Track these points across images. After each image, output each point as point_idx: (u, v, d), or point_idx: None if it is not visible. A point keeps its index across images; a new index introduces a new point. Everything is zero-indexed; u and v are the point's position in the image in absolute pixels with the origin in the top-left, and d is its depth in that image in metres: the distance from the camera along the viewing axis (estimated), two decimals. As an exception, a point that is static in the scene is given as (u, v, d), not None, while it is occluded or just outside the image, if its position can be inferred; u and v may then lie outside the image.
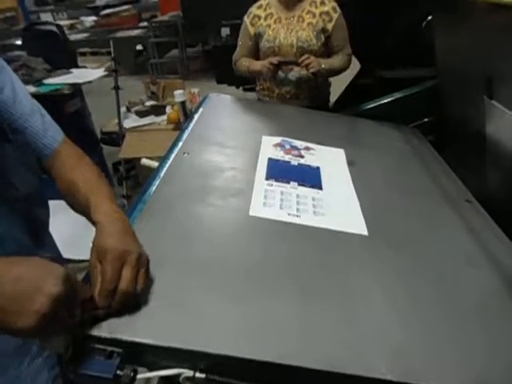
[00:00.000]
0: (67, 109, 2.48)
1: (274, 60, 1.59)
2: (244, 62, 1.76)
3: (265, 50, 1.71)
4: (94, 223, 0.61)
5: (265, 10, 1.72)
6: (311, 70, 1.57)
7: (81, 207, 0.66)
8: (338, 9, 1.67)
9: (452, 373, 0.57)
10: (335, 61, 1.70)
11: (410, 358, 0.57)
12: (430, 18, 1.79)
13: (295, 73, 1.68)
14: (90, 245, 0.58)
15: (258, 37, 1.72)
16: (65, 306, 0.45)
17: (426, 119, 1.73)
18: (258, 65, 1.68)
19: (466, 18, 1.28)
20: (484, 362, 0.59)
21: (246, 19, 1.75)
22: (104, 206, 0.63)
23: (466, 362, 0.58)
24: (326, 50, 1.71)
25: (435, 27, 1.58)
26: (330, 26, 1.65)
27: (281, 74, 1.68)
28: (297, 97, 1.74)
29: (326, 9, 1.65)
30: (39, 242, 0.74)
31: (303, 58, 1.57)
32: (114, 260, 0.54)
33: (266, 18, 1.70)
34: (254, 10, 1.74)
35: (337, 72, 1.72)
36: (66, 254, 0.88)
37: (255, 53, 1.77)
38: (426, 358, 0.58)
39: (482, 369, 0.58)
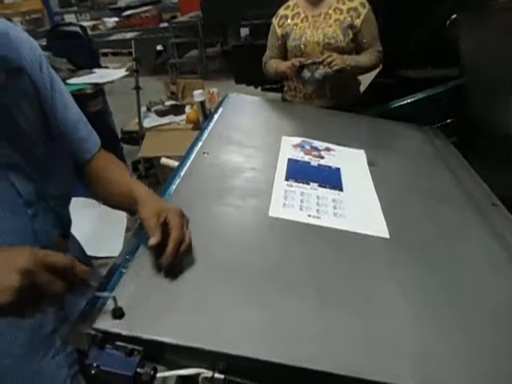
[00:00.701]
0: (90, 108, 2.52)
1: (296, 62, 1.58)
2: (273, 64, 1.75)
3: (291, 49, 1.69)
4: (135, 202, 0.68)
5: (292, 9, 1.70)
6: (334, 68, 1.53)
7: (119, 192, 0.73)
8: (366, 4, 1.62)
9: (469, 379, 0.55)
10: (362, 57, 1.64)
11: (431, 364, 0.56)
12: (453, 16, 1.75)
13: (321, 71, 1.64)
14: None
15: (285, 37, 1.71)
16: (40, 278, 0.45)
17: (449, 120, 1.69)
18: (283, 65, 1.67)
19: (491, 17, 1.24)
20: (503, 369, 0.57)
21: (274, 21, 1.75)
22: (146, 188, 0.72)
23: (483, 369, 0.57)
24: (356, 47, 1.67)
25: (460, 26, 1.54)
26: (358, 22, 1.61)
27: (307, 73, 1.66)
28: (323, 96, 1.71)
29: (353, 5, 1.62)
30: (67, 239, 0.77)
31: (325, 56, 1.55)
32: (180, 217, 0.64)
33: (293, 18, 1.69)
34: (281, 10, 1.74)
35: (365, 69, 1.67)
36: (87, 251, 0.90)
37: (284, 54, 1.76)
38: (445, 364, 0.56)
39: (500, 375, 0.56)
